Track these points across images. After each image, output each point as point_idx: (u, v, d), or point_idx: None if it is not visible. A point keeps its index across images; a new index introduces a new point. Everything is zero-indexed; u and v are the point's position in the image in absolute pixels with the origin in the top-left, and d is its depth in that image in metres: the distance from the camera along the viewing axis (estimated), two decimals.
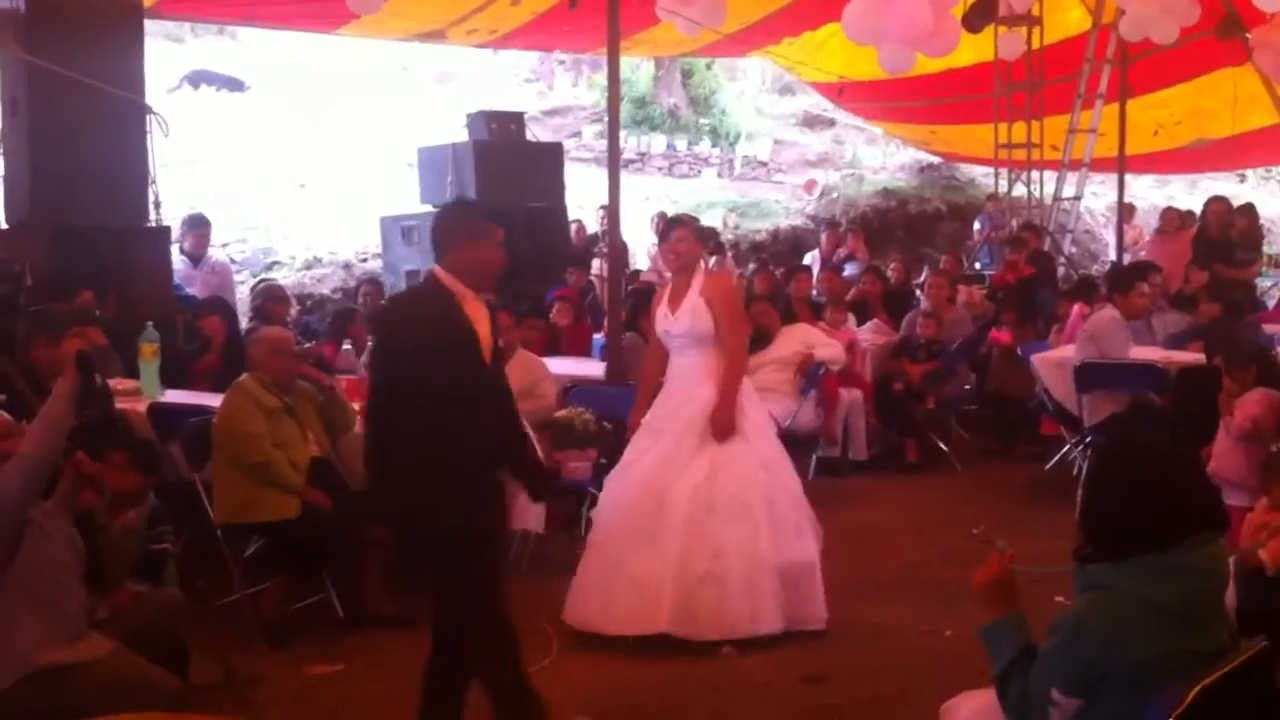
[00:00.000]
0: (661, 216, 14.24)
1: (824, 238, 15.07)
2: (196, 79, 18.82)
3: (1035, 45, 14.01)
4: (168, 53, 18.03)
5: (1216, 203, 12.69)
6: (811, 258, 14.52)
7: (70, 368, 4.37)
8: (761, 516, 5.83)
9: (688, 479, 5.84)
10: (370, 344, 4.40)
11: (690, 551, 5.72)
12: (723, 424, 5.89)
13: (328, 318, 11.51)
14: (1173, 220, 13.64)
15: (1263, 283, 14.44)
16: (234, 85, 19.30)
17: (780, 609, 5.77)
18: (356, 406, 6.50)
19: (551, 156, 12.79)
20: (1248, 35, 11.69)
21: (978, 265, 14.83)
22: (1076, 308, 9.72)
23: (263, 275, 13.54)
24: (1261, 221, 13.49)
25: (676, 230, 6.17)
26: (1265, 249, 14.86)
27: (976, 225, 16.02)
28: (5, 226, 8.77)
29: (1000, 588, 3.31)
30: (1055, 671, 3.04)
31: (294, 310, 10.61)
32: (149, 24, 9.99)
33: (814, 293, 11.21)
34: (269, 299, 9.60)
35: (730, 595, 5.70)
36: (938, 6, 8.64)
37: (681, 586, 5.70)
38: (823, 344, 8.89)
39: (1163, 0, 10.63)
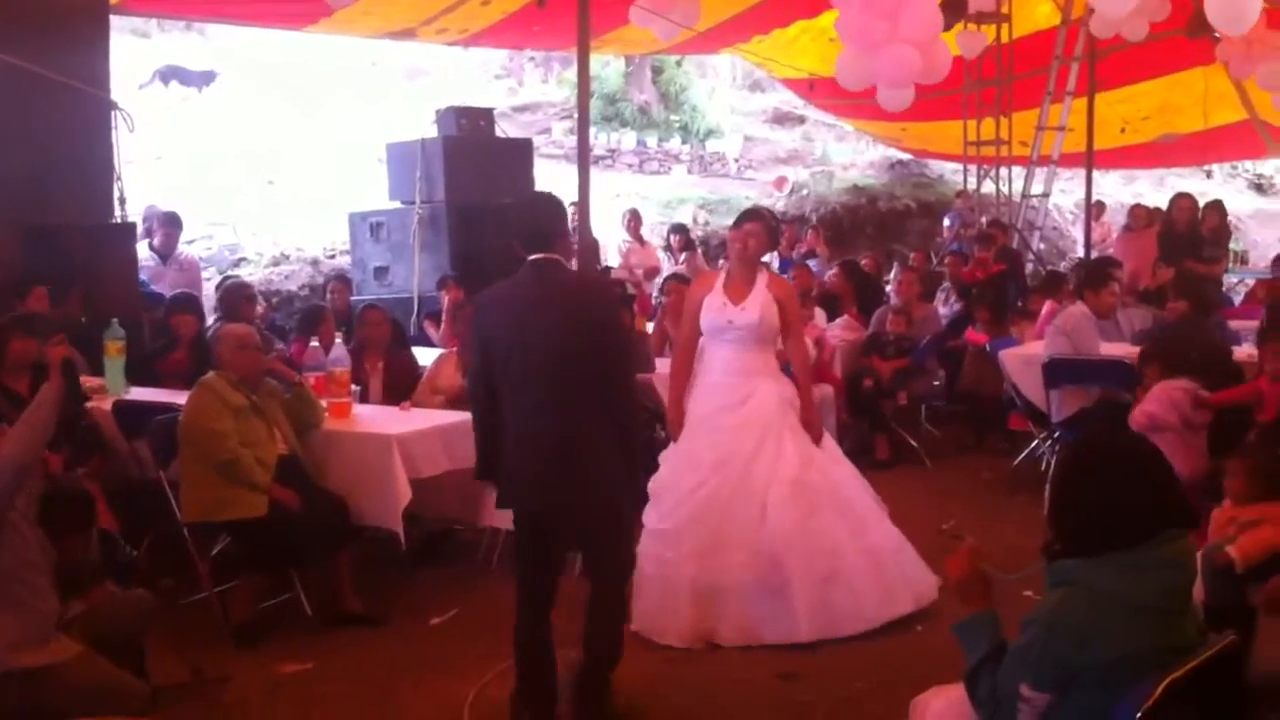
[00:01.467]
0: (633, 213, 14.24)
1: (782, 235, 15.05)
2: (168, 75, 18.68)
3: (1005, 40, 14.05)
4: (134, 48, 17.89)
5: (1184, 199, 12.77)
6: (770, 255, 14.50)
7: (55, 373, 4.47)
8: (861, 506, 5.93)
9: (781, 481, 5.78)
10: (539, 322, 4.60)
11: (810, 557, 5.68)
12: (815, 426, 5.99)
13: (296, 315, 11.45)
14: (1141, 217, 13.71)
15: (1229, 279, 14.57)
16: (209, 79, 19.17)
17: (909, 588, 5.85)
18: (324, 404, 6.48)
19: (521, 153, 12.75)
20: (1217, 36, 11.74)
21: (947, 262, 14.85)
22: (1047, 304, 9.78)
23: (229, 272, 13.45)
24: (1229, 218, 13.60)
25: (750, 222, 6.02)
26: (1232, 246, 15.01)
27: (946, 222, 16.06)
28: None
29: (975, 583, 3.31)
30: (1026, 667, 3.05)
31: (260, 308, 10.52)
32: (115, 19, 9.91)
33: None
34: (239, 297, 9.52)
35: (862, 588, 5.73)
36: (924, 46, 8.67)
37: (811, 593, 5.66)
38: None
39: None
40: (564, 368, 4.54)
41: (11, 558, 4.23)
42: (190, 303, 8.70)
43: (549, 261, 4.65)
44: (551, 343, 4.53)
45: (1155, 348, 7.30)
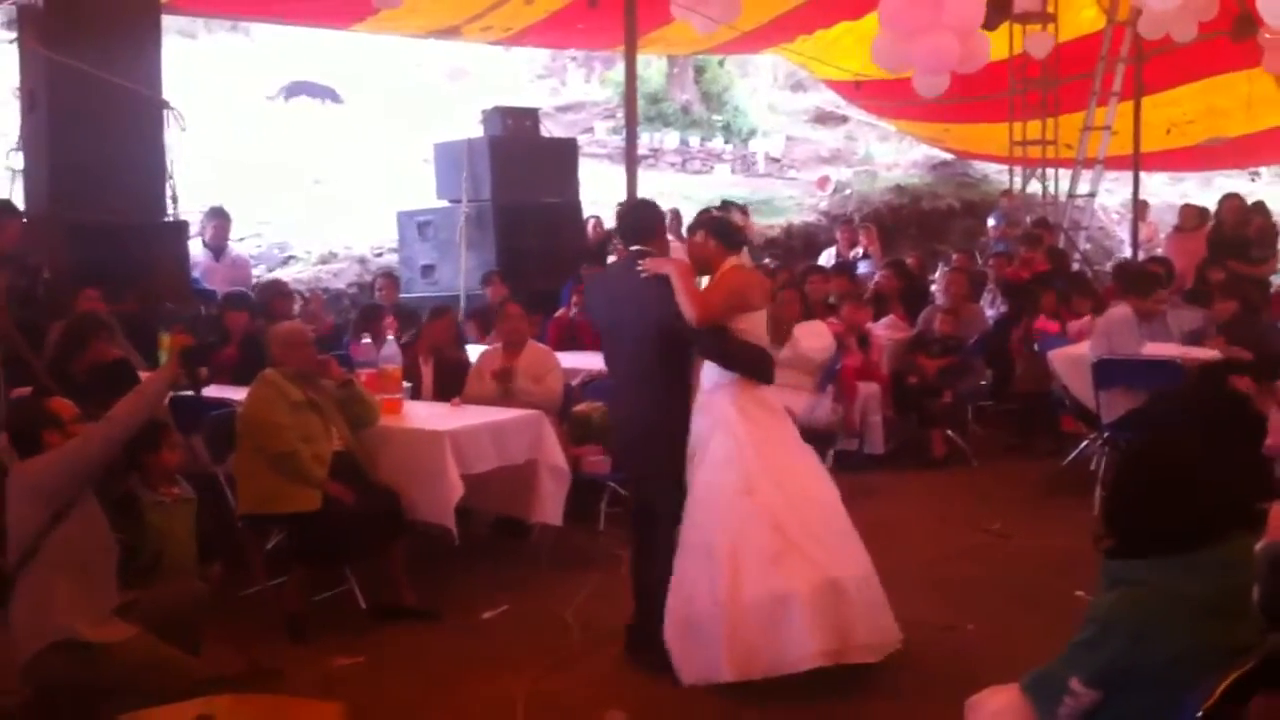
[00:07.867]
0: (674, 213, 14.22)
1: (839, 235, 14.95)
2: (295, 89, 19.01)
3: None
4: (181, 48, 18.02)
5: (1232, 199, 12.74)
6: (828, 255, 14.47)
7: (173, 359, 4.86)
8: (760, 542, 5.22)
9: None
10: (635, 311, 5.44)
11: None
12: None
13: (345, 311, 11.53)
14: (1191, 217, 13.56)
15: (1277, 280, 14.43)
16: (329, 95, 19.44)
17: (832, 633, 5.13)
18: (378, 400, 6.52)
19: (566, 152, 12.82)
20: (1267, 36, 11.67)
21: (991, 262, 14.76)
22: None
23: (279, 270, 13.58)
24: (1275, 218, 13.50)
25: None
26: None
27: (991, 221, 15.96)
28: (24, 220, 8.80)
29: None
30: (1081, 663, 3.06)
31: (298, 305, 10.57)
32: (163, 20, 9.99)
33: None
34: (274, 295, 9.60)
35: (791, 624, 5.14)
36: (963, 33, 8.61)
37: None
38: (804, 337, 8.72)
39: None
40: (647, 343, 5.34)
41: (80, 529, 4.42)
42: (242, 300, 8.79)
43: (645, 253, 5.47)
44: (640, 321, 5.35)
45: None
